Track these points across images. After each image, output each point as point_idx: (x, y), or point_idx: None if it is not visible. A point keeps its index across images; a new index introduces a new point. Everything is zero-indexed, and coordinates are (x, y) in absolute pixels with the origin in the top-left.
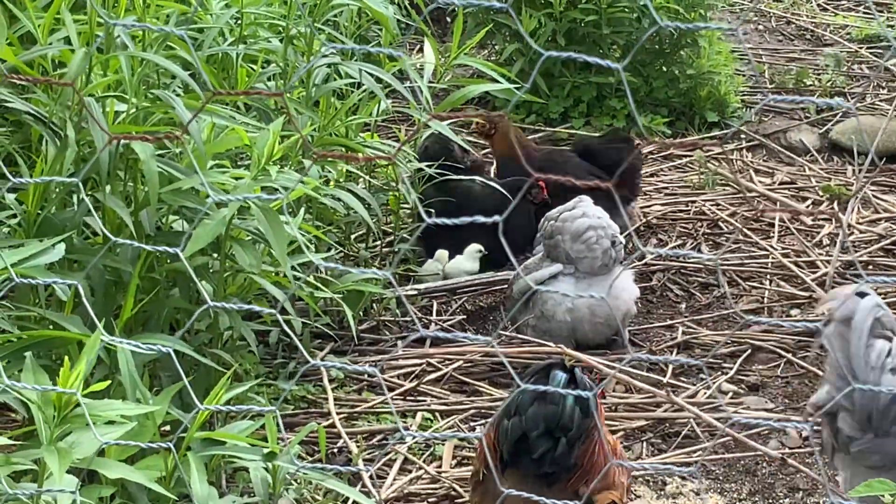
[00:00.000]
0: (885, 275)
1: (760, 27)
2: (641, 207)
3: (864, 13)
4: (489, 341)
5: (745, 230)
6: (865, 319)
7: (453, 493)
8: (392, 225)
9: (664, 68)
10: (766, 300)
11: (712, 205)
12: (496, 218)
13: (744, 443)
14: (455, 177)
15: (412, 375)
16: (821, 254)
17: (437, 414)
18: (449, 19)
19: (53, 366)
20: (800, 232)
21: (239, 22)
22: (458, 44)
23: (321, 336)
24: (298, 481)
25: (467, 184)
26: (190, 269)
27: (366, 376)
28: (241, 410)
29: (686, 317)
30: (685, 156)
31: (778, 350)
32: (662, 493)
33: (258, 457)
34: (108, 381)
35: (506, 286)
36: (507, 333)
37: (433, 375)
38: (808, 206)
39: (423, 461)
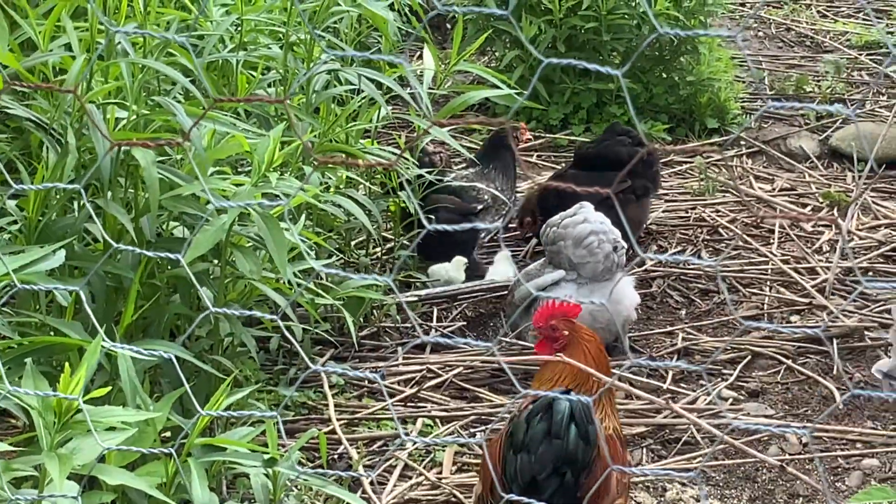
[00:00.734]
0: (885, 281)
1: (760, 34)
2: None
3: (864, 20)
4: (490, 347)
5: (745, 236)
6: None
7: (453, 499)
8: (392, 231)
9: (664, 75)
10: (765, 306)
11: (712, 211)
12: (497, 224)
13: (744, 449)
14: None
15: (412, 382)
16: (821, 260)
17: (437, 420)
18: (449, 26)
19: (54, 372)
20: (800, 238)
21: (239, 29)
22: (458, 50)
23: (321, 342)
24: (299, 487)
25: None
26: (191, 275)
27: (366, 382)
28: (241, 416)
29: (686, 323)
30: (685, 162)
31: (778, 356)
32: (662, 499)
33: (259, 463)
34: (109, 388)
35: (506, 293)
36: (507, 340)
37: (433, 382)
38: (808, 212)
39: (424, 467)
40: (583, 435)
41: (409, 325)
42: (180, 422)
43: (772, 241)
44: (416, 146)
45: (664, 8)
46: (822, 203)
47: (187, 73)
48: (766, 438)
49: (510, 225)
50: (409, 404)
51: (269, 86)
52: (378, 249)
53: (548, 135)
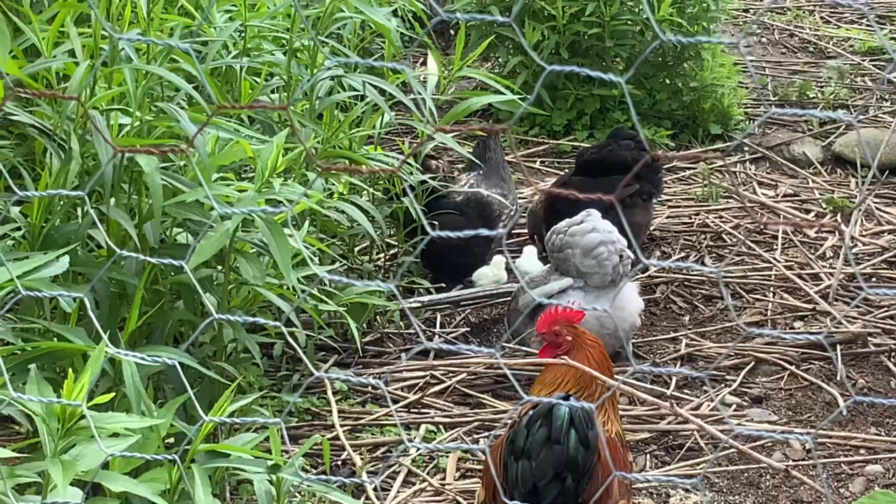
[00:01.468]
0: (888, 287)
1: (764, 40)
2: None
3: (867, 26)
4: (493, 353)
5: (748, 242)
6: None
7: None
8: (396, 237)
9: (667, 81)
10: (769, 312)
11: (716, 217)
12: (500, 231)
13: (747, 455)
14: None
15: (416, 388)
16: (824, 266)
17: (440, 426)
18: (452, 32)
19: (57, 378)
20: (803, 244)
21: (243, 35)
22: (461, 56)
23: (325, 348)
24: (302, 494)
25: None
26: (195, 281)
27: (370, 388)
28: (246, 422)
29: (689, 329)
30: (688, 168)
31: (781, 362)
32: None
33: (262, 469)
34: (113, 394)
35: (509, 299)
36: (510, 346)
37: (437, 388)
38: (812, 218)
39: (427, 473)
40: (583, 440)
41: (412, 332)
42: (184, 428)
43: (775, 247)
44: (419, 152)
45: (667, 14)
46: (825, 209)
47: (190, 80)
48: (769, 444)
49: (513, 231)
50: (412, 410)
51: (273, 92)
52: (381, 256)
53: (551, 141)
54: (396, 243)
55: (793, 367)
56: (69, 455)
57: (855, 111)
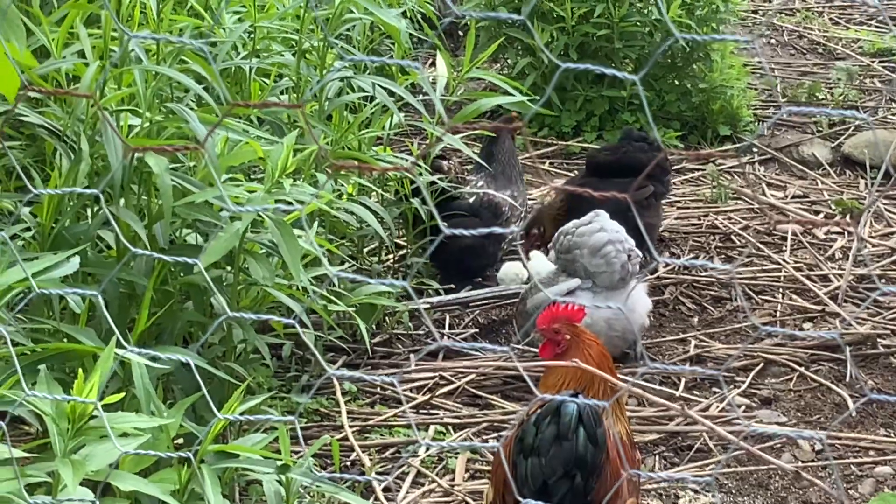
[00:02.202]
0: None
1: (773, 41)
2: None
3: (877, 27)
4: (506, 352)
5: (757, 244)
6: None
7: None
8: (405, 238)
9: (676, 82)
10: (778, 314)
11: (725, 218)
12: (513, 229)
13: (757, 456)
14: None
15: (425, 389)
16: (833, 267)
17: (449, 427)
18: (461, 33)
19: (67, 379)
20: (812, 246)
21: (252, 36)
22: (470, 57)
23: (334, 349)
24: (312, 494)
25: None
26: (209, 279)
27: (379, 389)
28: (257, 420)
29: (698, 330)
30: (697, 169)
31: (791, 363)
32: None
33: (272, 469)
34: (122, 394)
35: (517, 301)
36: (519, 347)
37: (446, 389)
38: (821, 219)
39: (436, 474)
40: (591, 437)
41: (421, 332)
42: (193, 428)
43: (784, 248)
44: (429, 153)
45: (676, 15)
46: (834, 210)
47: (200, 80)
48: (778, 446)
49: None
50: (421, 411)
51: (282, 93)
52: (391, 256)
53: (560, 142)
54: (405, 244)
55: (802, 369)
56: (79, 455)
57: (864, 113)
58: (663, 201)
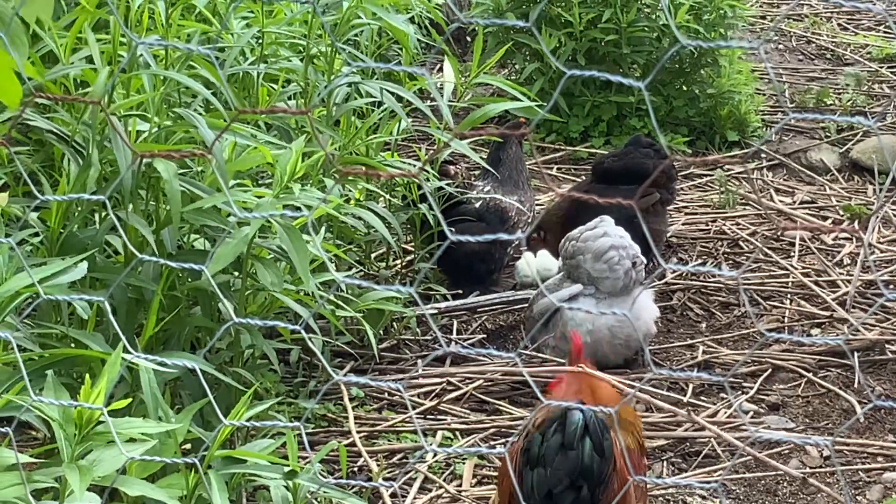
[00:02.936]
0: None
1: (781, 46)
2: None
3: (885, 33)
4: (513, 358)
5: (765, 249)
6: None
7: None
8: (412, 244)
9: (684, 87)
10: (786, 319)
11: (732, 224)
12: (519, 235)
13: (765, 462)
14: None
15: (432, 394)
16: (841, 273)
17: (457, 433)
18: (469, 38)
19: (75, 384)
20: (820, 251)
21: (260, 41)
22: (478, 63)
23: (341, 355)
24: (319, 500)
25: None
26: (215, 285)
27: (386, 395)
28: (264, 426)
29: (706, 336)
30: (705, 175)
31: (798, 369)
32: None
33: (279, 475)
34: (130, 399)
35: (526, 305)
36: (527, 353)
37: (453, 394)
38: (829, 225)
39: (444, 480)
40: (598, 448)
41: (429, 338)
42: (201, 434)
43: (792, 254)
44: (436, 158)
45: (684, 21)
46: (842, 216)
47: (208, 86)
48: (786, 452)
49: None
50: (428, 417)
51: (290, 98)
52: (398, 262)
53: (568, 147)
54: (413, 249)
55: (810, 375)
56: (86, 460)
57: (872, 118)
58: (670, 207)
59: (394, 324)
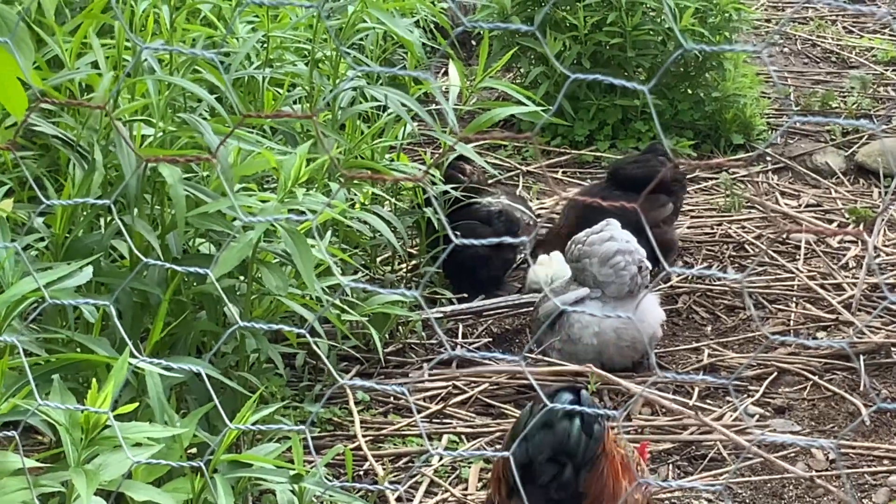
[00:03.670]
0: None
1: (786, 49)
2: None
3: (890, 35)
4: (518, 361)
5: (770, 252)
6: None
7: None
8: (418, 248)
9: (689, 91)
10: (792, 322)
11: (738, 227)
12: (523, 238)
13: (771, 465)
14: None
15: (438, 398)
16: (847, 276)
17: (462, 437)
18: (474, 42)
19: (81, 389)
20: (826, 254)
21: (265, 46)
22: (483, 67)
23: (347, 359)
24: (325, 503)
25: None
26: (220, 290)
27: (392, 399)
28: (269, 430)
29: (712, 339)
30: (711, 178)
31: (804, 372)
32: None
33: (285, 479)
34: (136, 404)
35: (532, 308)
36: (533, 356)
37: (459, 398)
38: (834, 228)
39: (449, 484)
40: (587, 429)
41: (434, 342)
42: (207, 438)
43: (798, 257)
44: (442, 162)
45: (689, 24)
46: (848, 219)
47: (213, 90)
48: (792, 455)
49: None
50: (434, 420)
51: (295, 102)
52: (403, 266)
53: (573, 151)
54: (418, 254)
55: (816, 378)
56: (92, 465)
57: (878, 121)
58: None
59: (399, 328)
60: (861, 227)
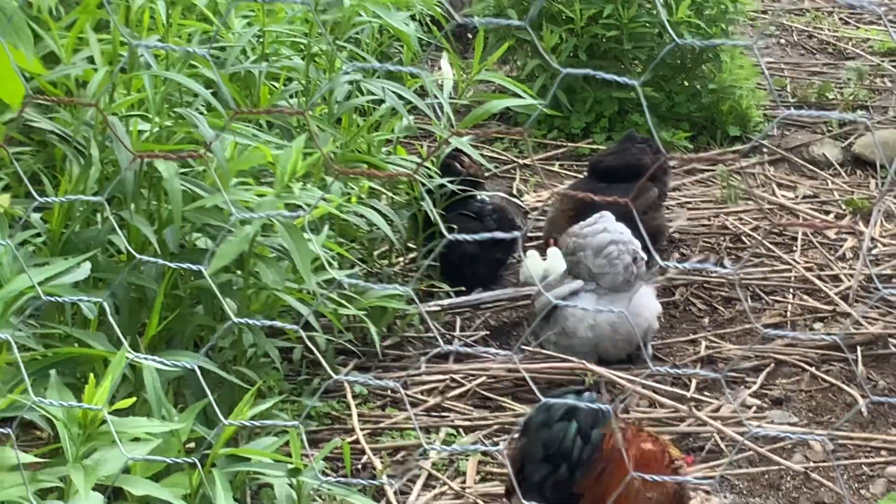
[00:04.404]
0: None
1: (782, 41)
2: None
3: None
4: (511, 356)
5: (767, 244)
6: None
7: None
8: (416, 241)
9: (686, 83)
10: (789, 314)
11: (735, 219)
12: (515, 234)
13: (766, 457)
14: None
15: (435, 391)
16: (844, 267)
17: (460, 430)
18: (470, 35)
19: (78, 384)
20: (823, 245)
21: (261, 40)
22: (479, 59)
23: (345, 352)
24: (323, 497)
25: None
26: (213, 285)
27: (389, 392)
28: (265, 426)
29: (709, 331)
30: (707, 170)
31: (801, 364)
32: None
33: (283, 473)
34: (133, 399)
35: (529, 302)
36: (530, 349)
37: (457, 391)
38: (831, 219)
39: (447, 477)
40: (583, 434)
41: (431, 335)
42: (204, 433)
43: (795, 248)
44: (437, 155)
45: (686, 16)
46: (845, 210)
47: (209, 85)
48: (790, 446)
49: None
50: (432, 414)
51: (292, 97)
52: (401, 259)
53: (569, 143)
54: (416, 247)
55: (813, 369)
56: (91, 460)
57: (874, 112)
58: (670, 202)
59: (397, 321)
60: (857, 218)
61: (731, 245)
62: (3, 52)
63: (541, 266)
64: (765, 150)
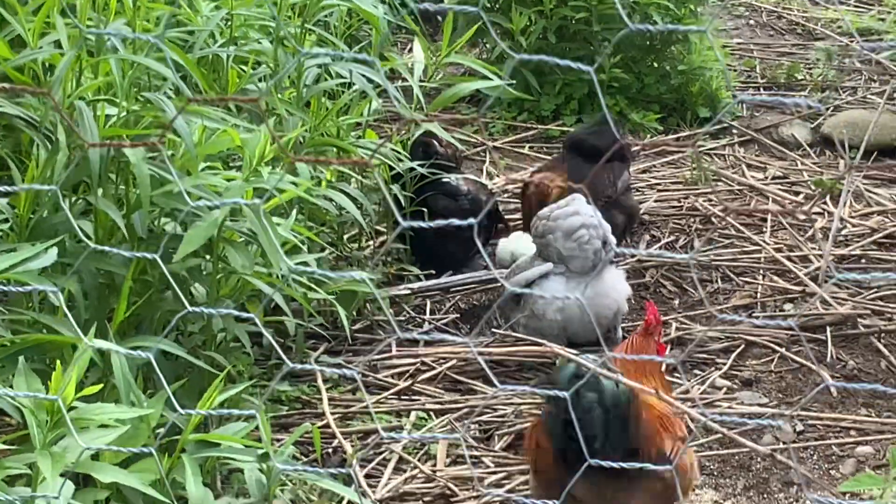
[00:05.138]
0: (876, 269)
1: (751, 22)
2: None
3: (855, 6)
4: (467, 342)
5: (737, 225)
6: None
7: (448, 491)
8: (385, 225)
9: (655, 64)
10: (759, 295)
11: (705, 200)
12: (471, 220)
13: (735, 439)
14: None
15: (406, 375)
16: (813, 248)
17: (431, 413)
18: (440, 18)
19: (47, 369)
20: (792, 226)
21: (229, 24)
22: (448, 42)
23: (315, 336)
24: (293, 482)
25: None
26: (168, 274)
27: (359, 377)
28: (229, 414)
29: (679, 313)
30: (677, 152)
31: (771, 345)
32: None
33: (253, 458)
34: (102, 385)
35: (499, 284)
36: (500, 332)
37: (427, 374)
38: (800, 200)
39: (418, 460)
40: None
41: (402, 318)
42: (173, 418)
43: (764, 229)
44: (405, 139)
45: None
46: (814, 191)
47: (179, 68)
48: (760, 427)
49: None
50: (402, 397)
51: (260, 80)
52: (371, 243)
53: (539, 126)
54: (385, 230)
55: (783, 350)
56: (58, 447)
57: (843, 93)
58: (641, 185)
59: (367, 305)
60: (826, 198)
61: (700, 226)
62: None
63: (512, 247)
64: (734, 131)
